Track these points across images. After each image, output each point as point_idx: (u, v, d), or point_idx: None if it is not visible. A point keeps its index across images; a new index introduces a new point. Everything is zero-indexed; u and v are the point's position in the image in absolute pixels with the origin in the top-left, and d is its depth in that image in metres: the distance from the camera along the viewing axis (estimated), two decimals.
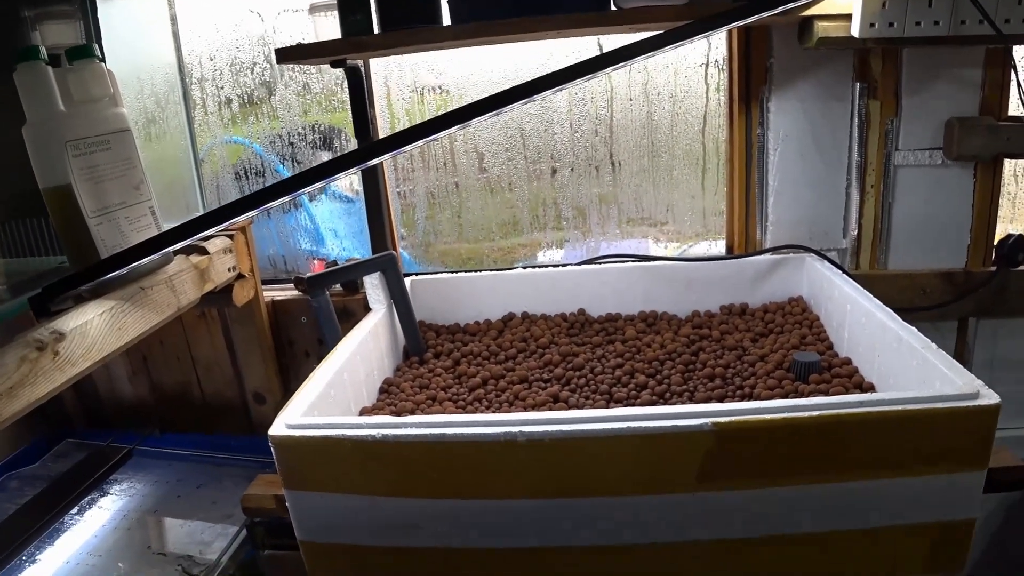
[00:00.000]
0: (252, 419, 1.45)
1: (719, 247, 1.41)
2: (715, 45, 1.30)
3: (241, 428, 1.46)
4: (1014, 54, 1.19)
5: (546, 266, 1.31)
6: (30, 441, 1.43)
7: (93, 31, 1.27)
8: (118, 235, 0.96)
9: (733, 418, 0.72)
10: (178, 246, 0.91)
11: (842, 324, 1.08)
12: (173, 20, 1.41)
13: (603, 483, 0.76)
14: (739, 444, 0.73)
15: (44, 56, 0.90)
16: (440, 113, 1.35)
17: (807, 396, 0.94)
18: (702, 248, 1.44)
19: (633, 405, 0.98)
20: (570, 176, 1.40)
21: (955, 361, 0.81)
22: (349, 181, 1.50)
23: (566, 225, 1.44)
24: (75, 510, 1.24)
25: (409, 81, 1.36)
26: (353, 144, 1.42)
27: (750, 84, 1.26)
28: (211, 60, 1.40)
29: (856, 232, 1.31)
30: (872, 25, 1.05)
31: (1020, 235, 1.27)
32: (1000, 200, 1.29)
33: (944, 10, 1.04)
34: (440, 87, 1.37)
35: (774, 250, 1.27)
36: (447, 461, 0.76)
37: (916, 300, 1.31)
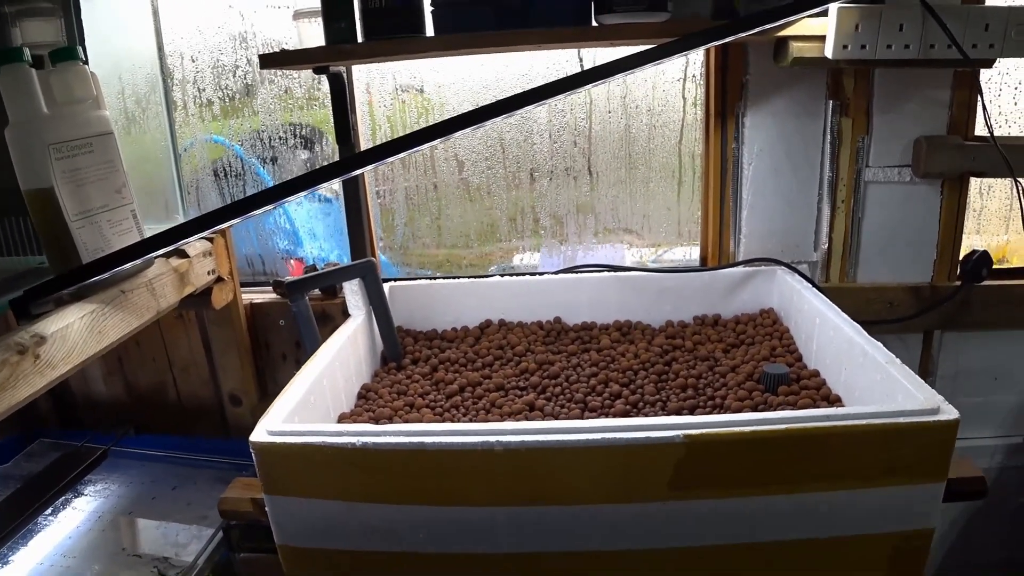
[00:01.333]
0: (228, 421, 1.45)
1: (693, 253, 1.44)
2: (693, 60, 1.33)
3: (217, 430, 1.46)
4: (980, 77, 1.23)
5: (524, 274, 1.32)
6: (2, 440, 1.42)
7: (76, 30, 1.26)
8: (100, 238, 0.96)
9: (704, 431, 0.75)
10: (160, 252, 0.92)
11: (811, 337, 1.11)
12: (156, 17, 1.40)
13: (578, 491, 0.78)
14: (709, 455, 0.75)
15: (28, 58, 0.90)
16: (421, 120, 1.39)
17: (776, 408, 0.97)
18: (678, 254, 1.46)
19: (607, 414, 1.00)
20: (548, 185, 1.42)
21: (917, 376, 0.84)
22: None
23: (543, 233, 1.45)
24: (49, 511, 1.24)
25: (391, 88, 1.37)
26: (334, 146, 1.43)
27: (726, 99, 1.29)
28: (193, 61, 1.40)
29: (827, 246, 1.34)
30: (845, 47, 1.08)
31: (984, 251, 1.31)
32: (966, 215, 1.33)
33: (914, 34, 1.07)
34: (422, 92, 1.38)
35: (746, 263, 1.30)
36: (425, 469, 0.77)
37: (883, 313, 1.34)
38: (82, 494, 1.30)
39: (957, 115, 1.27)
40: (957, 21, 1.06)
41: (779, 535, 0.80)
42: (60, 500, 1.27)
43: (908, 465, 0.77)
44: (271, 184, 1.45)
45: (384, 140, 1.39)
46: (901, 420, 0.75)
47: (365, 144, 1.39)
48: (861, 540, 0.80)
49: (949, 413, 0.76)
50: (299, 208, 1.53)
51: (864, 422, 0.75)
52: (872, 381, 0.90)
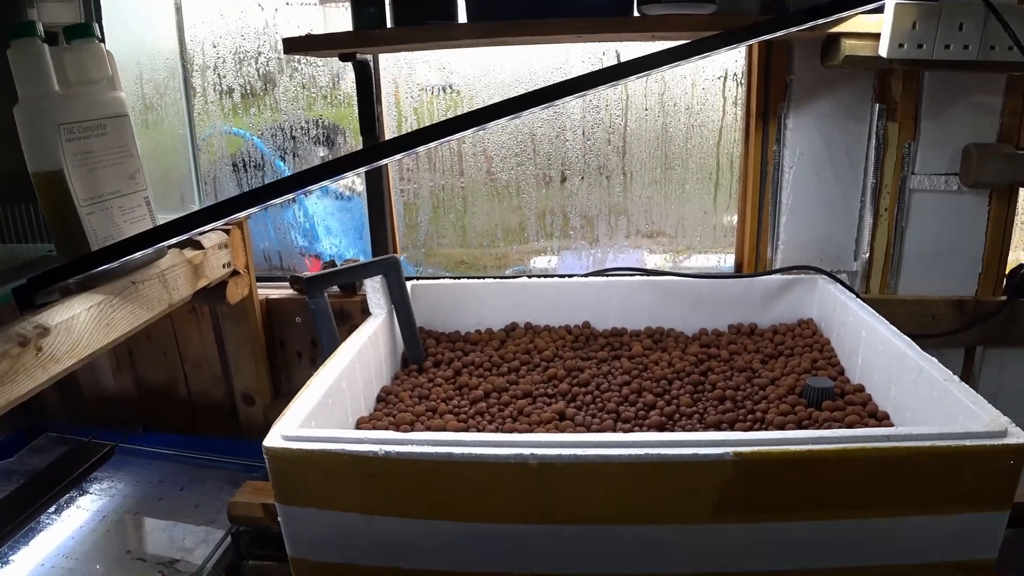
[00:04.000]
0: (240, 420, 1.40)
1: (723, 260, 1.38)
2: (734, 58, 1.27)
3: (227, 429, 1.41)
4: None
5: (551, 276, 1.27)
6: (7, 434, 1.38)
7: (94, 11, 1.22)
8: (110, 226, 0.92)
9: (755, 448, 0.69)
10: (173, 241, 0.87)
11: (855, 350, 1.05)
12: (177, 7, 1.36)
13: (616, 510, 0.72)
14: (760, 475, 0.70)
15: (40, 33, 0.85)
16: (449, 113, 1.34)
17: (821, 424, 0.91)
18: (699, 261, 1.41)
19: (642, 426, 0.94)
20: (580, 184, 1.37)
21: (980, 396, 0.78)
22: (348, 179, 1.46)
23: (573, 235, 1.40)
24: (52, 509, 1.20)
25: (419, 79, 1.33)
26: (353, 144, 1.39)
27: (768, 99, 1.23)
28: (214, 47, 1.36)
29: (868, 255, 1.28)
30: (901, 46, 1.03)
31: None
32: (1014, 229, 1.27)
33: (974, 35, 1.02)
34: (451, 86, 1.33)
35: (785, 270, 1.24)
36: (452, 481, 0.72)
37: (925, 326, 1.28)
38: (87, 492, 1.26)
39: (1008, 123, 1.21)
40: (1020, 22, 1.00)
41: (830, 563, 0.74)
42: (64, 498, 1.23)
43: (971, 491, 0.71)
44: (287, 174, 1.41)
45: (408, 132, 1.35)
46: (966, 443, 0.70)
47: (390, 136, 1.34)
48: (917, 570, 0.75)
49: (1018, 436, 0.70)
50: (317, 204, 1.49)
51: (927, 444, 0.70)
52: (927, 399, 0.85)
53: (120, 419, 1.43)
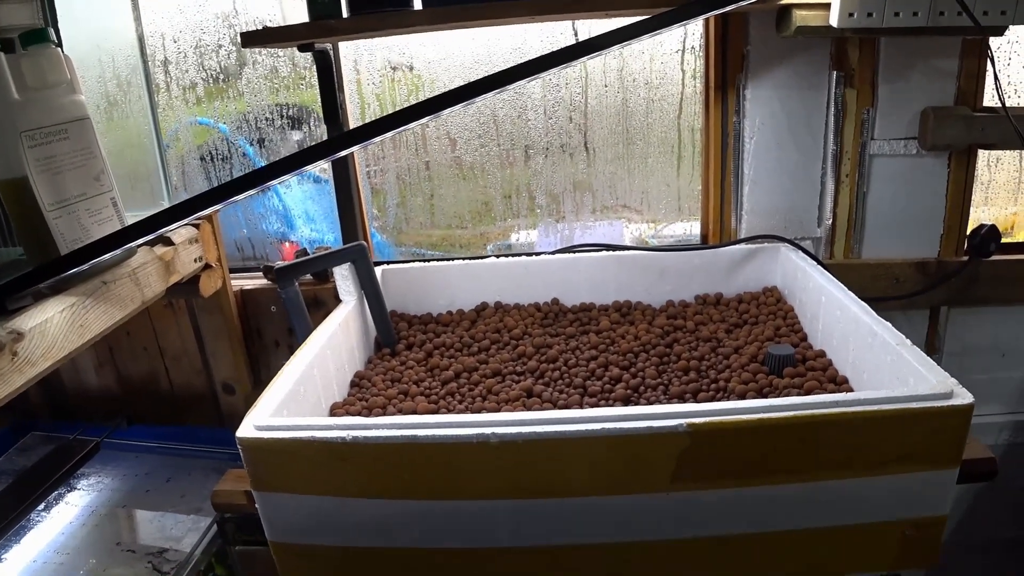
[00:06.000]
0: (222, 410, 1.42)
1: (693, 228, 1.40)
2: (691, 31, 1.28)
3: (210, 419, 1.43)
4: (991, 45, 1.18)
5: (520, 255, 1.29)
6: None
7: (48, 11, 1.21)
8: (78, 228, 0.93)
9: (708, 419, 0.72)
10: (142, 241, 0.89)
11: (816, 316, 1.07)
12: (134, 2, 1.36)
13: (577, 483, 0.75)
14: (714, 444, 0.73)
15: None
16: (411, 97, 1.34)
17: (781, 390, 0.94)
18: (678, 229, 1.43)
19: (608, 399, 0.97)
20: (544, 162, 1.38)
21: (929, 359, 0.81)
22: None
23: (540, 212, 1.42)
24: (41, 507, 1.22)
25: (379, 64, 1.33)
26: (323, 126, 1.39)
27: (727, 71, 1.24)
28: (175, 42, 1.36)
29: (831, 221, 1.31)
30: (851, 15, 1.04)
31: (992, 225, 1.28)
32: (973, 188, 1.29)
33: (923, 1, 1.03)
34: (411, 68, 1.34)
35: (748, 240, 1.26)
36: (419, 462, 0.75)
37: (889, 289, 1.31)
38: (75, 488, 1.28)
39: (965, 85, 1.23)
40: None
41: (787, 524, 0.77)
42: (53, 495, 1.25)
43: (921, 451, 0.74)
44: (257, 162, 1.42)
45: (373, 119, 1.35)
46: (914, 405, 0.73)
47: (354, 123, 1.35)
48: (872, 528, 0.78)
49: (963, 397, 0.73)
50: (290, 190, 1.49)
51: (875, 408, 0.72)
52: (882, 363, 0.88)
53: (104, 415, 1.45)
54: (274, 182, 0.81)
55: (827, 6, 1.07)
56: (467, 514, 0.77)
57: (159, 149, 1.43)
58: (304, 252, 1.36)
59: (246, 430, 0.77)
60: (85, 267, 0.87)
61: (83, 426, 1.41)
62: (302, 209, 1.51)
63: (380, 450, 0.74)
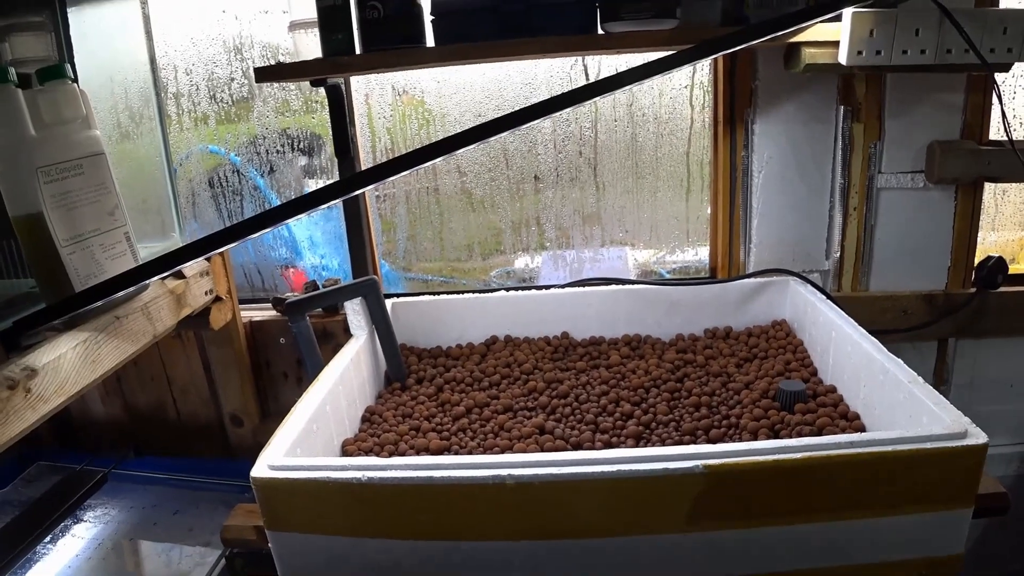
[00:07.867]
0: (229, 441, 1.42)
1: (700, 253, 1.40)
2: (700, 67, 1.30)
3: (218, 450, 1.43)
4: (996, 79, 1.19)
5: (530, 288, 1.29)
6: (0, 464, 1.39)
7: (64, 45, 1.23)
8: (92, 263, 0.93)
9: (724, 460, 0.72)
10: (154, 279, 0.89)
11: (826, 350, 1.08)
12: (148, 27, 1.37)
13: (593, 525, 0.75)
14: (729, 485, 0.72)
15: (14, 78, 0.86)
16: (422, 131, 1.35)
17: (794, 427, 0.94)
18: (681, 256, 1.43)
19: (619, 435, 0.97)
20: (553, 196, 1.39)
21: (942, 397, 0.81)
22: None
23: (549, 245, 1.42)
24: (48, 539, 1.21)
25: (391, 99, 1.34)
26: (330, 146, 1.40)
27: (735, 106, 1.25)
28: (187, 74, 1.37)
29: (839, 254, 1.31)
30: (859, 53, 1.05)
31: (999, 257, 1.29)
32: (980, 222, 1.30)
33: (931, 40, 1.04)
34: (422, 102, 1.35)
35: (757, 274, 1.27)
36: (434, 503, 0.74)
37: (897, 321, 1.31)
38: (81, 520, 1.27)
39: (971, 119, 1.24)
40: (974, 25, 1.03)
41: (801, 564, 0.77)
42: (59, 527, 1.24)
43: (935, 491, 0.74)
44: (268, 193, 1.43)
45: (384, 151, 1.37)
46: (928, 445, 0.72)
47: (364, 156, 1.36)
48: (887, 568, 0.77)
49: (977, 437, 0.73)
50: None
51: (890, 448, 0.72)
52: (893, 401, 0.87)
53: (111, 444, 1.44)
54: (288, 220, 0.82)
55: (836, 44, 1.08)
56: (481, 555, 0.76)
57: (171, 180, 1.44)
58: (313, 284, 1.36)
59: (260, 470, 0.77)
60: (99, 304, 0.87)
61: (90, 456, 1.40)
62: (307, 235, 1.52)
63: (396, 491, 0.74)
